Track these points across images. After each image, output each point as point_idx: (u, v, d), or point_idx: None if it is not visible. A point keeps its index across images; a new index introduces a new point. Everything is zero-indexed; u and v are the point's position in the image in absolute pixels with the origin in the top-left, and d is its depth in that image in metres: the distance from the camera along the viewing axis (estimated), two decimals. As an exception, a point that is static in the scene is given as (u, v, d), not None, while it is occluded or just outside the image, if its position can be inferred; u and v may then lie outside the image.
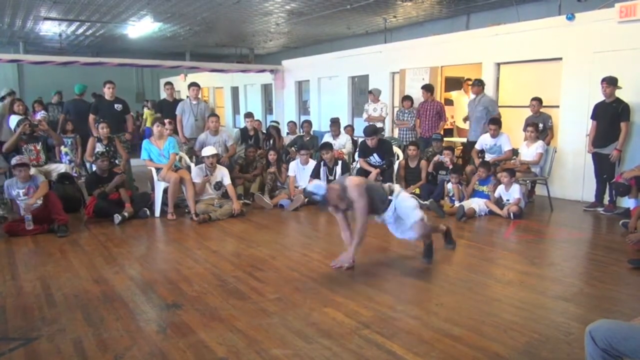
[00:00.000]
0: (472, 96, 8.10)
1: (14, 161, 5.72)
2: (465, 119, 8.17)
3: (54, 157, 7.44)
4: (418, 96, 8.81)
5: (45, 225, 5.63)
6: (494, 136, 7.08)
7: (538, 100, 7.17)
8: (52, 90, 11.54)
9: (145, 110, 14.78)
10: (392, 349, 2.91)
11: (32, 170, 6.11)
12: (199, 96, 8.29)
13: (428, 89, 8.52)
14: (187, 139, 7.88)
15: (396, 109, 9.98)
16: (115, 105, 7.63)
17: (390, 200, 4.35)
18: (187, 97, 8.15)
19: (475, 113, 7.68)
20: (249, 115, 8.79)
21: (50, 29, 15.13)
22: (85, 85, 9.48)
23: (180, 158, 7.20)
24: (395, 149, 7.82)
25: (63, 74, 17.29)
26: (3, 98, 8.56)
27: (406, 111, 8.81)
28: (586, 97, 6.99)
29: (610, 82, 6.29)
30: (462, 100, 9.80)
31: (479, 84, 7.75)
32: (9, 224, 5.63)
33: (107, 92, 7.64)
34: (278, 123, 10.28)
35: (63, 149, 7.59)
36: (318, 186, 4.29)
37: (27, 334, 3.16)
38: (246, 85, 16.44)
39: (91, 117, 7.65)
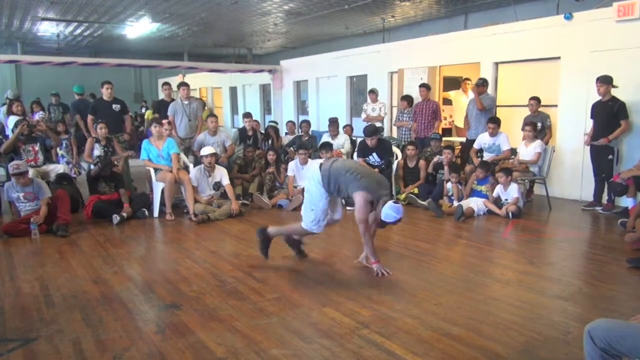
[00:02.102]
0: (472, 95, 8.10)
1: (10, 170, 5.67)
2: (465, 124, 8.15)
3: (52, 158, 7.42)
4: (416, 95, 8.83)
5: (44, 225, 5.61)
6: (492, 135, 7.08)
7: (536, 99, 7.17)
8: (51, 90, 11.54)
9: (147, 111, 14.79)
10: (391, 348, 2.91)
11: (30, 173, 6.10)
12: (190, 95, 8.28)
13: (427, 87, 8.54)
14: (182, 139, 7.86)
15: (395, 109, 10.00)
16: (114, 106, 7.63)
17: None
18: (180, 98, 8.11)
19: (476, 111, 7.67)
20: (247, 115, 8.78)
21: (48, 29, 15.11)
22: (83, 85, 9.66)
23: (179, 159, 7.19)
24: (394, 149, 7.83)
25: (61, 75, 17.28)
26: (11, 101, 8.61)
27: (405, 111, 8.82)
28: (584, 96, 7.00)
29: (604, 81, 6.30)
30: (460, 100, 9.81)
31: (482, 84, 7.72)
32: (8, 224, 5.61)
33: (106, 93, 7.65)
34: (276, 123, 10.27)
35: (59, 151, 7.57)
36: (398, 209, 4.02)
37: (26, 334, 3.15)
38: (244, 86, 16.44)
39: (89, 117, 7.66)
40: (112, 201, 6.26)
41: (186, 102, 8.00)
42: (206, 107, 11.44)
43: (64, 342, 3.04)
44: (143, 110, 16.72)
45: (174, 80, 14.57)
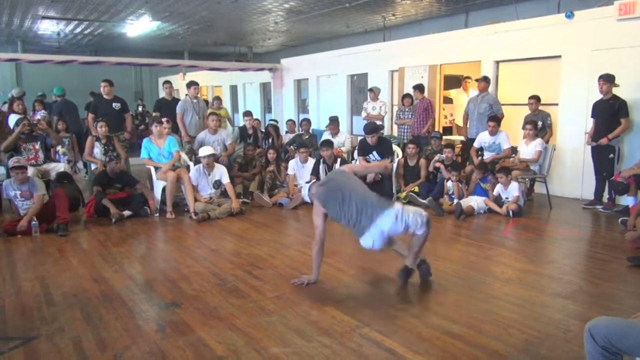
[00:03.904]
0: (473, 93, 8.08)
1: (10, 163, 5.69)
2: (465, 121, 8.14)
3: (51, 156, 7.42)
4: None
5: (44, 224, 5.61)
6: (492, 133, 7.07)
7: (536, 98, 7.16)
8: (51, 89, 11.54)
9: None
10: (391, 347, 2.91)
11: (31, 172, 6.11)
12: (199, 95, 8.30)
13: (417, 88, 8.54)
14: (191, 138, 7.85)
15: (395, 108, 9.99)
16: (114, 104, 7.63)
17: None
18: (186, 95, 8.12)
19: (479, 110, 7.66)
20: (247, 113, 8.78)
21: (48, 27, 15.11)
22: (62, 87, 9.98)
23: (179, 157, 7.19)
24: (395, 147, 7.82)
25: (61, 73, 17.27)
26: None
27: (406, 109, 8.81)
28: (585, 94, 6.99)
29: (607, 80, 6.30)
30: (461, 98, 9.80)
31: (485, 80, 7.70)
32: (8, 223, 5.62)
33: (103, 91, 7.68)
34: (277, 122, 10.27)
35: (60, 149, 7.57)
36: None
37: (27, 333, 3.15)
38: (245, 84, 16.44)
39: (90, 116, 7.66)
40: (117, 200, 6.25)
41: (195, 100, 8.02)
42: (215, 105, 11.46)
43: (64, 340, 3.04)
44: (140, 109, 16.69)
45: (175, 79, 14.61)
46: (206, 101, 11.63)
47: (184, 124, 7.86)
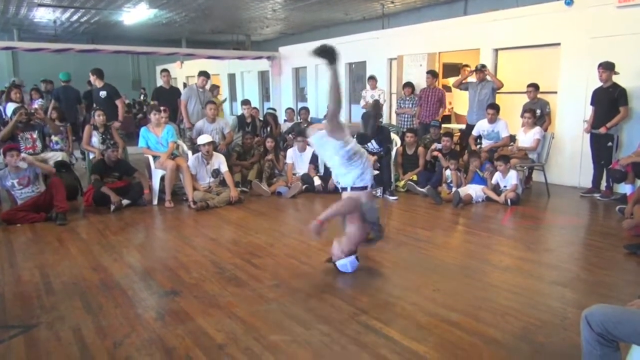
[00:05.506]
0: (472, 79, 8.06)
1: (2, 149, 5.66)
2: (458, 83, 8.12)
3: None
4: (417, 82, 8.79)
5: (43, 213, 5.61)
6: (491, 121, 7.06)
7: (534, 86, 7.15)
8: (47, 77, 11.46)
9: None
10: (389, 334, 2.93)
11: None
12: (206, 86, 8.29)
13: (433, 74, 8.51)
14: (193, 125, 7.83)
15: (394, 95, 9.96)
16: (100, 93, 7.63)
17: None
18: (195, 84, 8.12)
19: (479, 96, 7.63)
20: (246, 102, 8.75)
21: (44, 15, 14.99)
22: (69, 72, 9.64)
23: (178, 146, 7.18)
24: (393, 136, 7.81)
25: (58, 62, 17.16)
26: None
27: (407, 98, 8.78)
28: (584, 82, 6.97)
29: (607, 67, 6.28)
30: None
31: (482, 69, 7.66)
32: (7, 212, 5.61)
33: (91, 79, 7.78)
34: (275, 110, 10.24)
35: (54, 137, 7.54)
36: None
37: (26, 321, 3.17)
38: (243, 72, 16.35)
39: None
40: (115, 189, 6.24)
41: (201, 90, 8.02)
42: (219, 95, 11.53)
43: (64, 328, 3.05)
44: (142, 98, 16.64)
45: (172, 67, 14.52)
46: (217, 86, 11.56)
47: (187, 111, 7.85)
